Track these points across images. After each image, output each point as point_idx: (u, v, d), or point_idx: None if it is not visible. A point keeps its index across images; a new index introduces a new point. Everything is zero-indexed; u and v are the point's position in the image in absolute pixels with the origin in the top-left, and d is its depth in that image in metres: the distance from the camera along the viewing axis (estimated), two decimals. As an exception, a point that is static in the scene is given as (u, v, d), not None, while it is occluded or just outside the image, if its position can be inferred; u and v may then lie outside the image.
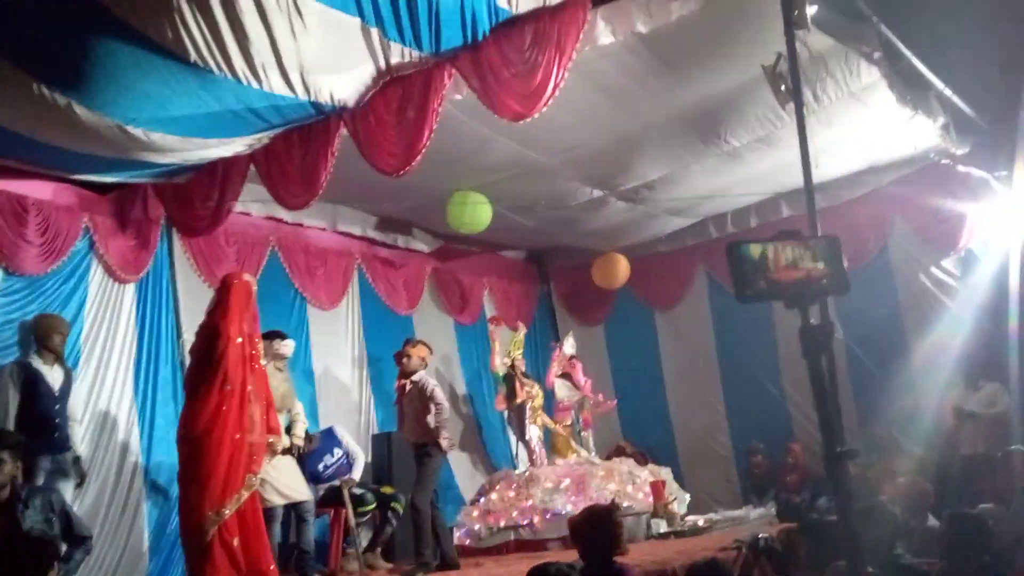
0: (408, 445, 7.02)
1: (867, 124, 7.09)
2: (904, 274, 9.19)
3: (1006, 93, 7.25)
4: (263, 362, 5.79)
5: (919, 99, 6.61)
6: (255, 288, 5.70)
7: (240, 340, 5.36)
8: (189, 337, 6.72)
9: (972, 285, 8.48)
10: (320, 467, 7.10)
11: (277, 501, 6.20)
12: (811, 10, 4.67)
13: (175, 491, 5.98)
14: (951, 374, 8.33)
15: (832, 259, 2.48)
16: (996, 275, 8.14)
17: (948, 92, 6.81)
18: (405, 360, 6.99)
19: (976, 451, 7.89)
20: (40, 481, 5.55)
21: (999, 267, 8.11)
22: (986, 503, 5.95)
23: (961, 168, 7.73)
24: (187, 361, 6.25)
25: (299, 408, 6.96)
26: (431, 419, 6.64)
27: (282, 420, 6.67)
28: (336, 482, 7.05)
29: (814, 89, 5.99)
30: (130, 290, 7.01)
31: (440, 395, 6.78)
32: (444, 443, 6.67)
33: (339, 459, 7.21)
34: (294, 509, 6.46)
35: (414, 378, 6.88)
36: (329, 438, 7.29)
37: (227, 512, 5.12)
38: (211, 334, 5.39)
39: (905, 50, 6.00)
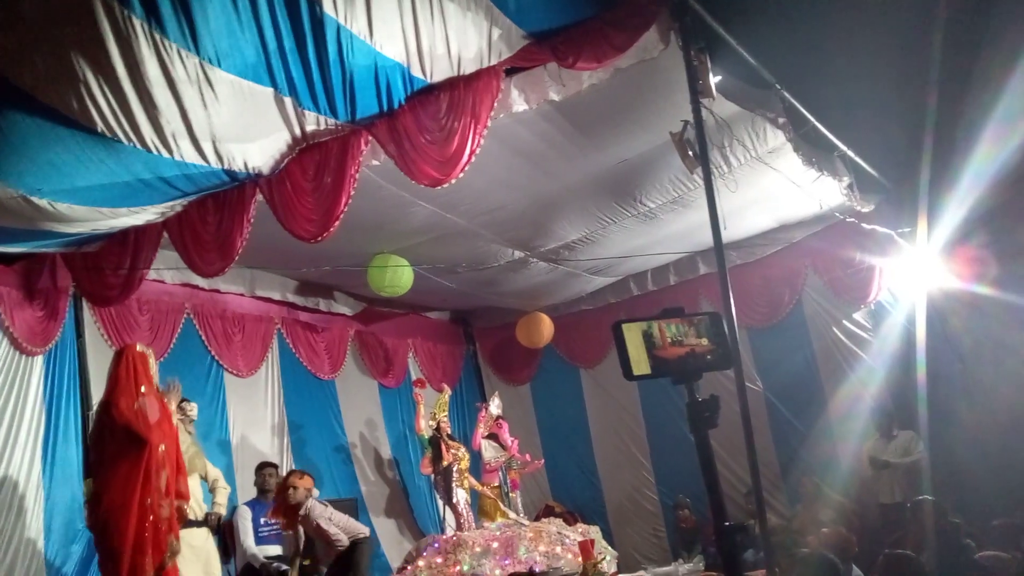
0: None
1: (775, 185, 7.35)
2: (818, 326, 9.46)
3: (908, 153, 7.59)
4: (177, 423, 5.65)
5: (824, 161, 6.87)
6: (148, 353, 5.55)
7: (137, 407, 5.20)
8: (97, 410, 6.55)
9: (883, 336, 8.78)
10: (261, 521, 6.97)
11: None
12: (715, 79, 4.87)
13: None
14: (866, 423, 8.58)
15: (715, 334, 2.52)
16: (905, 327, 8.44)
17: (851, 153, 7.12)
18: (291, 492, 6.57)
19: (894, 500, 8.07)
20: None
21: (907, 319, 8.40)
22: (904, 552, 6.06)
23: (866, 226, 8.03)
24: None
25: (217, 473, 6.74)
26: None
27: (197, 486, 6.46)
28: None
29: (723, 153, 6.17)
30: (38, 362, 6.74)
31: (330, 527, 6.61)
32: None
33: (277, 524, 6.99)
34: None
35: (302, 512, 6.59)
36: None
37: None
38: (102, 409, 5.26)
39: (808, 114, 6.25)
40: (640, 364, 2.41)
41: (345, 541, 6.57)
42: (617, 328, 2.43)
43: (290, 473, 6.94)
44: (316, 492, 6.95)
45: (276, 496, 6.79)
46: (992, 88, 6.77)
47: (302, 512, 6.55)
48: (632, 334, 2.42)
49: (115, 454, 5.08)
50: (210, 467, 6.75)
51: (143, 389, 5.31)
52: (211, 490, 6.58)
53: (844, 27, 6.41)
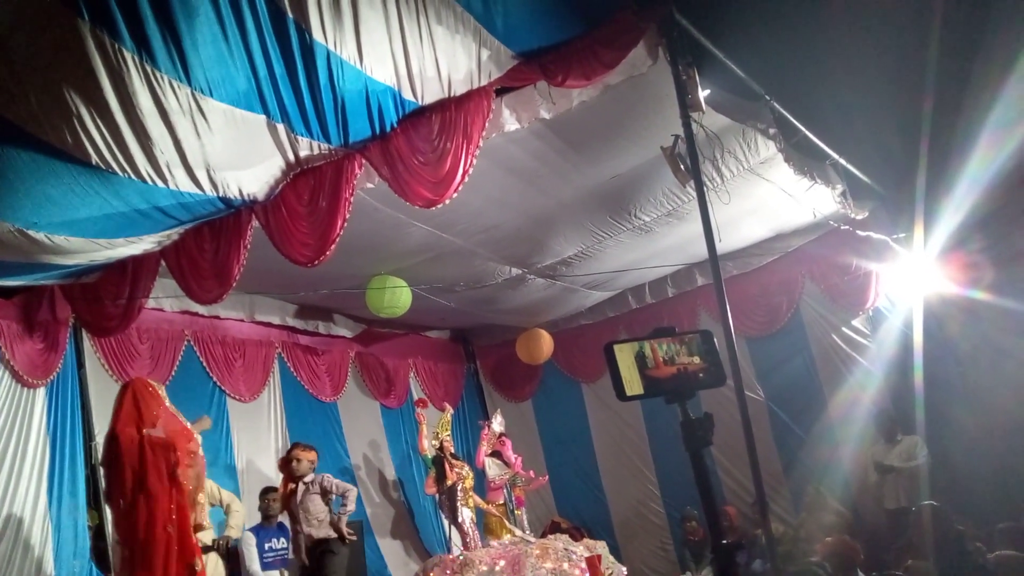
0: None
1: (769, 195, 7.37)
2: (816, 334, 9.46)
3: (904, 159, 7.61)
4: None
5: (817, 169, 6.89)
6: (150, 383, 5.69)
7: (141, 436, 5.28)
8: (102, 440, 6.55)
9: (881, 342, 8.78)
10: (266, 547, 7.02)
11: None
12: (704, 93, 4.89)
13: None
14: (867, 428, 8.57)
15: (707, 352, 2.52)
16: (903, 332, 8.44)
17: (843, 161, 7.14)
18: (295, 464, 6.95)
19: (899, 504, 8.04)
20: None
21: (905, 324, 8.41)
22: (910, 558, 6.06)
23: (861, 232, 8.04)
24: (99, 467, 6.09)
25: (228, 497, 6.85)
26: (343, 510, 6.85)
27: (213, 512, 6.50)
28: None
29: (715, 165, 6.20)
30: (40, 394, 6.76)
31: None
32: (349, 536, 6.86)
33: (282, 549, 7.14)
34: None
35: (306, 480, 6.93)
36: (281, 527, 7.26)
37: None
38: (107, 440, 5.42)
39: (797, 124, 6.28)
40: (633, 384, 2.41)
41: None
42: (609, 349, 2.43)
43: (294, 445, 7.16)
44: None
45: (281, 467, 7.09)
46: (988, 93, 6.79)
47: (307, 480, 6.86)
48: (624, 355, 2.42)
49: (121, 485, 5.17)
50: (224, 492, 6.78)
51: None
52: (225, 513, 6.62)
53: (838, 35, 6.45)
